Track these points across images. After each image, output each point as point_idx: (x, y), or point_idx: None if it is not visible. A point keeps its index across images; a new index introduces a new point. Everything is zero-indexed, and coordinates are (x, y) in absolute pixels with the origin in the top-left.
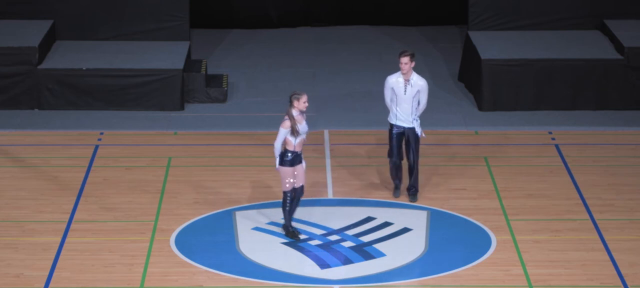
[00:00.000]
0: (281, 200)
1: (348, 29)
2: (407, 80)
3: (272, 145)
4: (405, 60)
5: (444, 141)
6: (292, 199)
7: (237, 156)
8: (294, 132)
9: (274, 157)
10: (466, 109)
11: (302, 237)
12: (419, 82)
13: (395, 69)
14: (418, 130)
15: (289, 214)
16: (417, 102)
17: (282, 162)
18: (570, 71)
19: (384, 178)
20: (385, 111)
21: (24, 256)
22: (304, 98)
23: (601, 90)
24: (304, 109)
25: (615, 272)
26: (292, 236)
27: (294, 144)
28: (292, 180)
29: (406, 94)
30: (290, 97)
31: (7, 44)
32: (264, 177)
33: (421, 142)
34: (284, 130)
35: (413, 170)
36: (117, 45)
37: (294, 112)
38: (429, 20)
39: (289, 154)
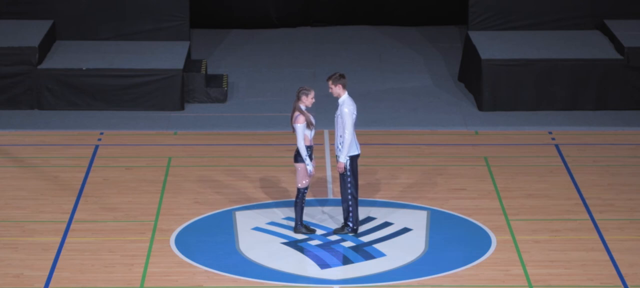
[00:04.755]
0: (279, 200)
1: (348, 29)
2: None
3: (272, 145)
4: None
5: (444, 141)
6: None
7: (237, 156)
8: (310, 124)
9: (302, 160)
10: (466, 109)
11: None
12: (342, 108)
13: (395, 68)
14: (341, 159)
15: (301, 212)
16: (341, 128)
17: (302, 159)
18: (570, 71)
19: (384, 178)
20: (385, 111)
21: (24, 256)
22: (313, 94)
23: (601, 90)
24: (310, 105)
25: (615, 272)
26: (307, 231)
27: (310, 138)
28: (308, 179)
29: (335, 116)
30: (299, 93)
31: (7, 44)
32: (264, 177)
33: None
34: (301, 126)
35: (342, 203)
36: (117, 45)
37: (302, 107)
38: (429, 20)
39: (306, 149)
